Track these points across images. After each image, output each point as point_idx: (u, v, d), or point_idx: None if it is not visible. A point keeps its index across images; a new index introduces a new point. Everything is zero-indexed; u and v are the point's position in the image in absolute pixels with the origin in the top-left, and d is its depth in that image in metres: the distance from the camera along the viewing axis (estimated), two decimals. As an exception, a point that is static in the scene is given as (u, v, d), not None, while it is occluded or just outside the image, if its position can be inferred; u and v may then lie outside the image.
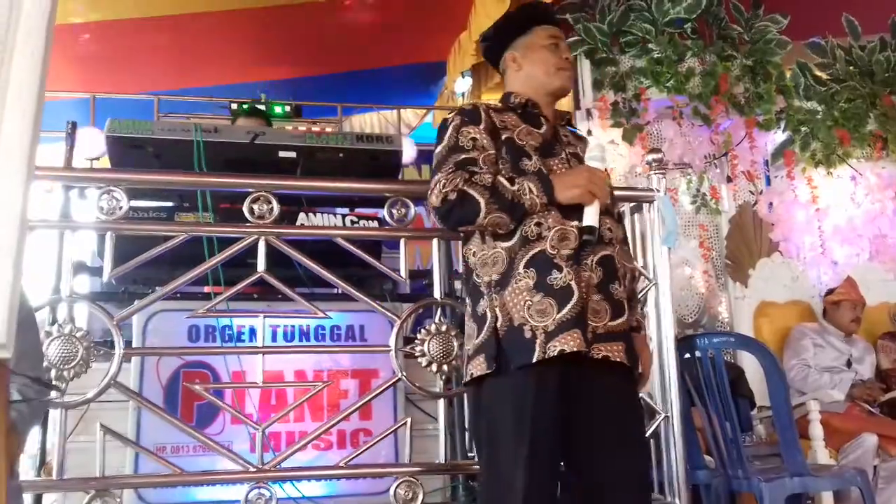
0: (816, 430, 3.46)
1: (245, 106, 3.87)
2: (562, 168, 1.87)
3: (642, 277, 2.53)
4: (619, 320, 1.79)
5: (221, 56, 5.25)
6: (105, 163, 3.64)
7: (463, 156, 1.83)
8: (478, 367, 1.80)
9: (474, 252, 1.88)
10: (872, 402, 3.86)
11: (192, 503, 2.49)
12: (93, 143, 3.51)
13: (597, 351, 1.74)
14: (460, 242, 2.00)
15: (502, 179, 1.79)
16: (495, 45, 2.10)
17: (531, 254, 1.77)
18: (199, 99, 4.95)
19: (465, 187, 1.76)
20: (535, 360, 1.70)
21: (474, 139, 1.86)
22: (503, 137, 1.88)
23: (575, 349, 1.69)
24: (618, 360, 1.76)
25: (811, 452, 3.42)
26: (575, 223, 1.79)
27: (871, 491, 2.76)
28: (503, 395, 1.76)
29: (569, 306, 1.71)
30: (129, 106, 4.88)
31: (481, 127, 1.88)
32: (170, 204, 2.71)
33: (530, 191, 1.77)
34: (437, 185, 1.80)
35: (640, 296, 2.51)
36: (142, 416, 2.48)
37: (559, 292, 1.72)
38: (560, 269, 1.74)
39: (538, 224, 1.78)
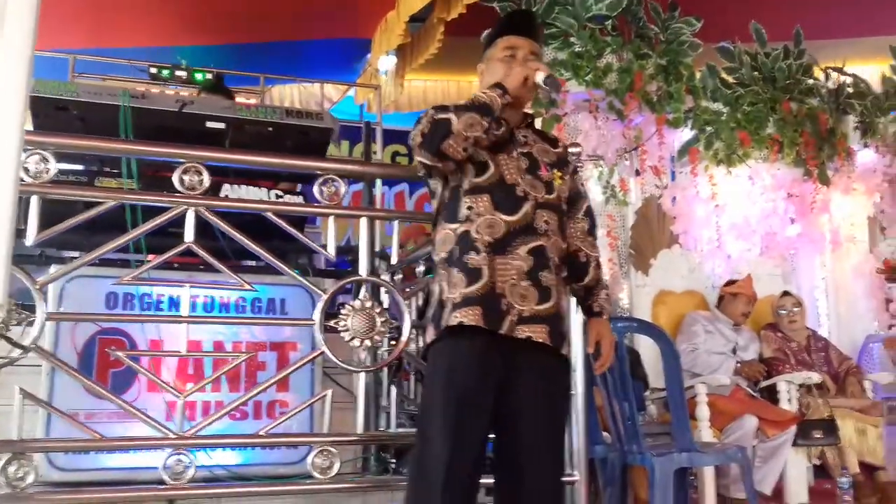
0: (703, 411, 3.72)
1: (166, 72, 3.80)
2: (509, 164, 2.03)
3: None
4: (546, 304, 1.95)
5: (140, 17, 5.08)
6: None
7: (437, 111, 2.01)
8: (429, 335, 1.98)
9: (436, 234, 2.06)
10: (755, 384, 4.17)
11: (102, 469, 2.49)
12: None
13: (521, 332, 1.91)
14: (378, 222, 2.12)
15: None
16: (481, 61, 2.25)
17: (460, 233, 1.97)
18: (117, 61, 4.79)
19: (434, 117, 1.95)
20: (443, 326, 1.90)
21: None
22: None
23: (472, 324, 1.86)
24: (539, 340, 1.92)
25: (697, 432, 3.68)
26: (504, 216, 1.95)
27: (751, 466, 3.01)
28: (438, 362, 1.94)
29: (475, 286, 1.90)
30: (41, 63, 4.66)
31: None
32: (89, 168, 2.68)
33: (484, 93, 1.98)
34: (415, 132, 1.98)
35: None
36: (55, 381, 2.46)
37: (470, 271, 1.91)
38: (478, 252, 1.93)
39: (469, 207, 1.97)
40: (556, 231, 2.04)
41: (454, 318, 1.88)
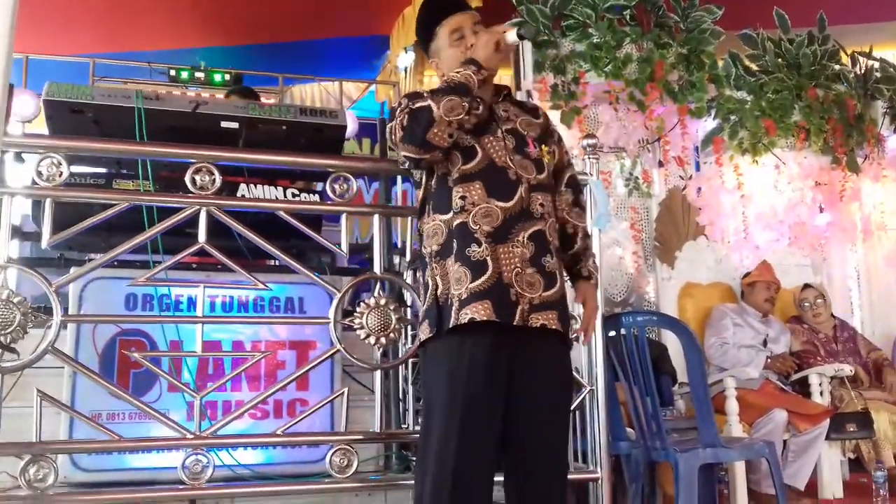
0: (732, 406, 3.66)
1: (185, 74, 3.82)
2: (496, 145, 1.96)
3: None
4: (552, 290, 1.91)
5: (160, 21, 5.12)
6: (35, 125, 3.56)
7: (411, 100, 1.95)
8: (424, 331, 1.93)
9: (425, 224, 2.00)
10: (786, 376, 4.09)
11: (126, 469, 2.51)
12: (25, 105, 3.43)
13: (534, 320, 1.86)
14: (399, 218, 2.09)
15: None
16: (428, 57, 2.18)
17: (455, 224, 1.91)
18: (135, 64, 4.85)
19: (412, 107, 1.89)
20: (451, 325, 1.84)
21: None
22: None
23: (484, 318, 1.81)
24: (553, 327, 1.88)
25: (727, 427, 3.62)
26: (499, 202, 1.90)
27: (778, 461, 2.95)
28: (440, 361, 1.88)
29: (482, 279, 1.84)
30: (62, 68, 4.75)
31: None
32: (107, 170, 2.70)
33: (457, 72, 1.91)
34: (393, 126, 1.93)
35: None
36: (77, 383, 2.48)
37: (474, 264, 1.86)
38: (479, 244, 1.87)
39: (462, 197, 1.91)
40: (552, 212, 2.00)
41: (464, 315, 1.83)
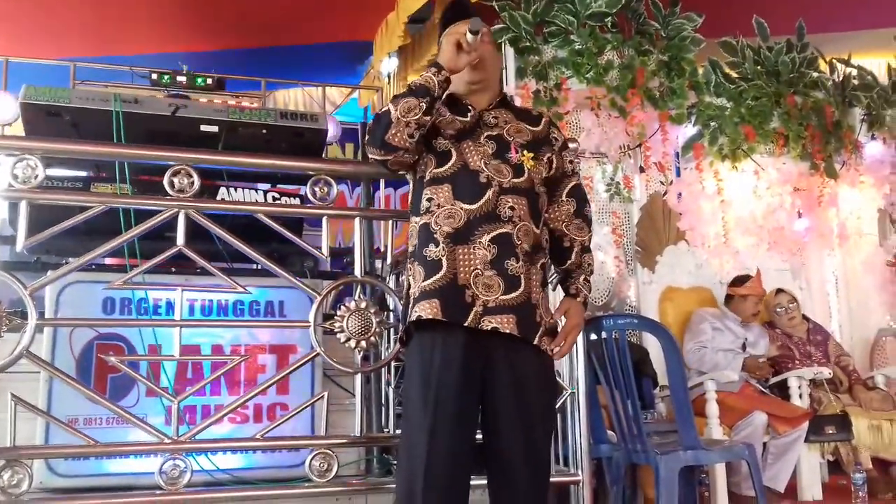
0: (712, 409, 3.68)
1: (165, 77, 3.81)
2: (474, 150, 1.97)
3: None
4: (513, 294, 1.89)
5: (143, 25, 5.10)
6: (15, 128, 3.53)
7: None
8: (402, 331, 1.98)
9: (409, 226, 2.05)
10: (765, 381, 4.12)
11: (103, 475, 2.48)
12: (4, 108, 3.40)
13: (486, 323, 1.86)
14: (382, 223, 2.10)
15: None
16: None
17: (419, 225, 1.96)
18: (116, 67, 4.81)
19: (377, 113, 1.98)
20: (405, 324, 1.91)
21: None
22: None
23: (430, 317, 1.83)
24: (507, 331, 1.86)
25: (707, 429, 3.64)
26: (464, 204, 1.91)
27: (758, 462, 2.97)
28: (412, 360, 1.91)
29: (433, 278, 1.86)
30: (43, 71, 4.71)
31: None
32: (86, 174, 2.68)
33: (421, 76, 1.96)
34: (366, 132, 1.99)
35: (551, 278, 2.64)
36: (53, 387, 2.46)
37: (429, 264, 1.89)
38: (437, 244, 1.89)
39: (429, 199, 1.95)
40: (527, 216, 1.95)
41: (413, 313, 1.87)
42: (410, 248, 1.98)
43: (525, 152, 2.00)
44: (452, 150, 1.97)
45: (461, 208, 1.91)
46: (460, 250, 1.88)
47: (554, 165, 2.07)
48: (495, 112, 2.06)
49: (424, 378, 1.84)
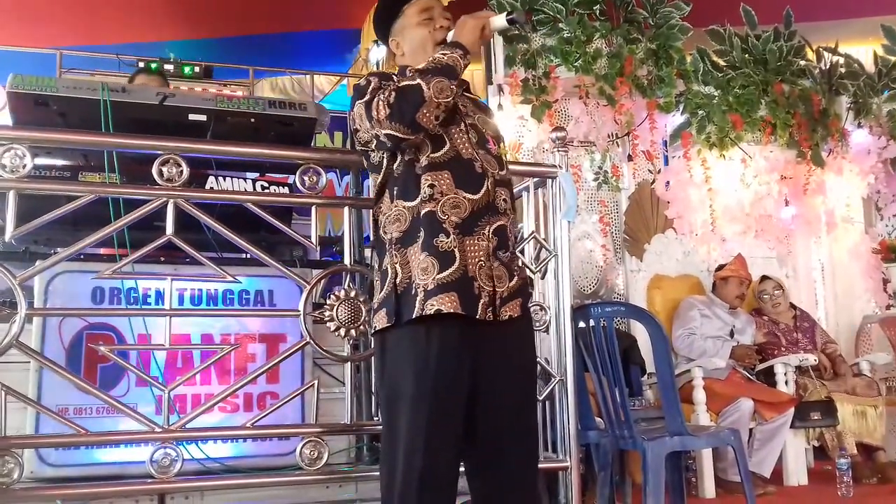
0: (699, 395, 3.72)
1: (153, 65, 3.79)
2: (461, 137, 1.92)
3: (543, 249, 2.67)
4: (515, 280, 1.94)
5: (130, 13, 5.06)
6: (2, 118, 3.50)
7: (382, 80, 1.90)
8: (380, 320, 1.88)
9: (383, 210, 1.95)
10: (752, 368, 4.16)
11: (94, 464, 2.48)
12: (-11, 97, 3.38)
13: (504, 312, 1.88)
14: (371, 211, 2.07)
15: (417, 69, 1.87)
16: (380, 36, 2.15)
17: (423, 213, 1.85)
18: (103, 55, 4.78)
19: (399, 85, 1.83)
20: (414, 315, 1.79)
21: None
22: None
23: (451, 311, 1.78)
24: (517, 315, 1.92)
25: (694, 416, 3.68)
26: (467, 194, 1.87)
27: (744, 448, 3.00)
28: (403, 352, 1.83)
29: (449, 270, 1.80)
30: (29, 60, 4.67)
31: None
32: (73, 163, 2.66)
33: (444, 55, 1.86)
34: (376, 103, 1.82)
35: (540, 266, 2.68)
36: (43, 377, 2.45)
37: (442, 255, 1.82)
38: (447, 235, 1.83)
39: (431, 186, 1.86)
40: (512, 209, 2.01)
41: (430, 306, 1.78)
42: (395, 234, 1.88)
43: (501, 144, 2.03)
44: (444, 135, 1.89)
45: (465, 198, 1.87)
46: (468, 241, 1.85)
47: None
48: (461, 100, 1.99)
49: (419, 370, 1.79)
